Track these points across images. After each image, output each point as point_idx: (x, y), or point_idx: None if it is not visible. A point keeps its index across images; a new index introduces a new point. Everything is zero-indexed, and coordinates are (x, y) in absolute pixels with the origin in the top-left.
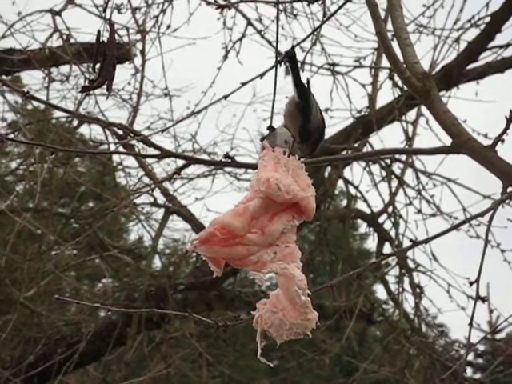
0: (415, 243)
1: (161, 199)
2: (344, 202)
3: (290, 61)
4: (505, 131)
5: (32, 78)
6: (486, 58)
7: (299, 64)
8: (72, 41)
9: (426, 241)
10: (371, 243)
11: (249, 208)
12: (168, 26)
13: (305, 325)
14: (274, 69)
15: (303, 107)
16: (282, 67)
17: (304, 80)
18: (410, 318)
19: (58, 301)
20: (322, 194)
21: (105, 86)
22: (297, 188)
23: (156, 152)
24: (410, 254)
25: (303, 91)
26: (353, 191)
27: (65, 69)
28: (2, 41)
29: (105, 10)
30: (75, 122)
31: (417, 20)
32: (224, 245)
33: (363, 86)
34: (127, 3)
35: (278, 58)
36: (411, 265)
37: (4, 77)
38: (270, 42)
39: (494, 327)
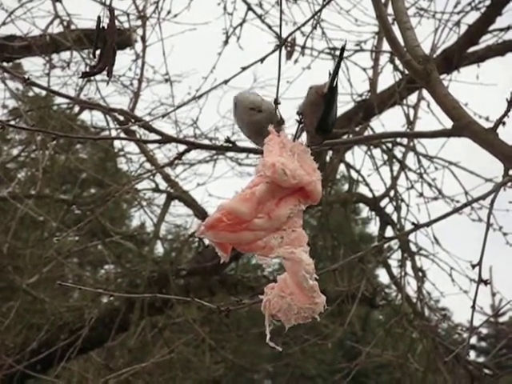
0: (417, 226)
1: (162, 185)
2: (346, 187)
3: (340, 53)
4: (506, 114)
5: (33, 65)
6: (486, 41)
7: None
8: (73, 27)
9: (428, 224)
10: (373, 227)
11: (255, 193)
12: (168, 12)
13: (313, 309)
14: (274, 53)
15: (329, 100)
16: (283, 52)
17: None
18: (412, 301)
19: (60, 287)
20: (324, 179)
21: (105, 72)
22: (303, 172)
23: (157, 137)
24: (412, 237)
25: (334, 85)
26: (354, 175)
27: (65, 55)
28: (3, 27)
29: None
30: (76, 109)
31: (417, 3)
32: (231, 230)
33: (364, 69)
34: None
35: (280, 42)
36: (413, 248)
37: (5, 63)
38: (270, 27)
39: (497, 310)
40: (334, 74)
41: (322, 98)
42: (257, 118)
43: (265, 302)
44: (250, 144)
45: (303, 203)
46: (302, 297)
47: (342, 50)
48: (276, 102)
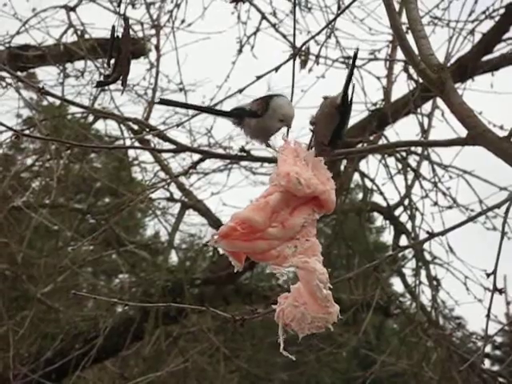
0: (432, 235)
1: (177, 194)
2: (360, 196)
3: (352, 62)
4: None
5: (47, 74)
6: (500, 49)
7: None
8: (87, 36)
9: (443, 233)
10: (387, 236)
11: (269, 202)
12: (182, 21)
13: (326, 318)
14: (288, 62)
15: (343, 112)
16: (297, 61)
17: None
18: (427, 310)
19: (75, 296)
20: (338, 188)
21: (120, 82)
22: (317, 182)
23: (172, 147)
24: (426, 246)
25: (348, 97)
26: (369, 184)
27: (80, 64)
28: (17, 37)
29: (119, 5)
30: (90, 118)
31: (431, 12)
32: (245, 239)
33: (378, 78)
34: None
35: (294, 52)
36: (428, 257)
37: (19, 73)
38: (284, 36)
39: None
40: (347, 86)
41: (337, 110)
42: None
43: (278, 312)
44: (264, 153)
45: (317, 212)
46: (315, 306)
47: (354, 59)
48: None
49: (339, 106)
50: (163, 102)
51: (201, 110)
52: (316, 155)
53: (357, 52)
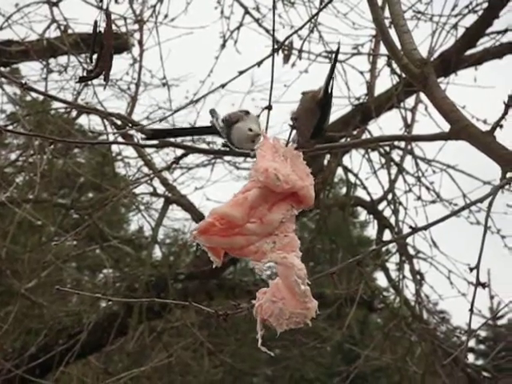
0: (415, 230)
1: (160, 189)
2: (343, 190)
3: (334, 57)
4: (503, 116)
5: (30, 70)
6: (484, 43)
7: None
8: (70, 31)
9: (426, 227)
10: (371, 231)
11: (247, 198)
12: (165, 16)
13: (304, 314)
14: (271, 57)
15: (324, 106)
16: (279, 56)
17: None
18: (410, 304)
19: (58, 292)
20: (322, 182)
21: (103, 76)
22: (295, 177)
23: (155, 142)
24: (410, 240)
25: (329, 91)
26: (352, 179)
27: (63, 59)
28: (0, 32)
29: (102, 0)
30: (74, 113)
31: (414, 6)
32: (223, 235)
33: (361, 73)
34: None
35: (275, 46)
36: (411, 252)
37: (2, 68)
38: (267, 31)
39: (495, 313)
40: (328, 80)
41: (318, 105)
42: (245, 127)
43: (257, 307)
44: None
45: (296, 208)
46: (293, 302)
47: (337, 52)
48: (269, 107)
49: (320, 101)
50: (155, 136)
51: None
52: (298, 149)
53: (339, 47)
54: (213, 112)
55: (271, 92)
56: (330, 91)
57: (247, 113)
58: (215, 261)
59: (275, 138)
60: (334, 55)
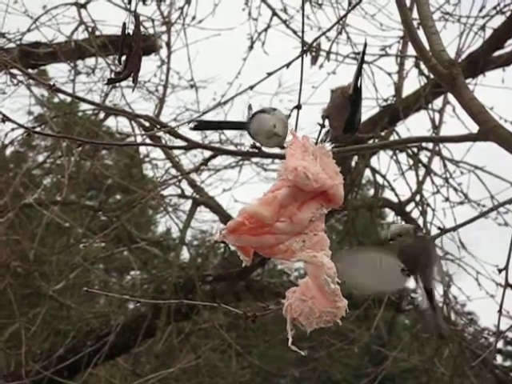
0: (443, 231)
1: (188, 190)
2: (371, 192)
3: (362, 52)
4: None
5: (58, 72)
6: (511, 45)
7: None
8: (97, 33)
9: (454, 228)
10: None
11: (277, 197)
12: (193, 18)
13: (334, 312)
14: (299, 59)
15: (354, 100)
16: (307, 57)
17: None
18: (438, 306)
19: (86, 293)
20: (349, 184)
21: (131, 78)
22: (325, 176)
23: (183, 143)
24: (438, 242)
25: (358, 86)
26: (380, 180)
27: (91, 61)
28: (28, 34)
29: (130, 2)
30: (102, 115)
31: (442, 8)
32: (253, 234)
33: (389, 74)
34: None
35: (304, 48)
36: (439, 253)
37: (30, 70)
38: (295, 32)
39: None
40: (358, 73)
41: (348, 100)
42: (262, 118)
43: (286, 306)
44: (275, 149)
45: (325, 207)
46: (323, 300)
47: (364, 48)
48: (298, 106)
49: (350, 96)
50: (197, 127)
51: (235, 127)
52: (332, 143)
53: (366, 42)
54: (249, 108)
55: (300, 91)
56: (359, 86)
57: (274, 109)
58: (245, 260)
59: (305, 137)
60: (362, 49)
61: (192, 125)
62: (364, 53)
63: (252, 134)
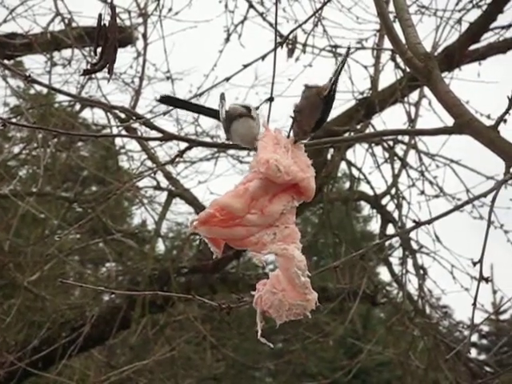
0: (418, 224)
1: (164, 182)
2: (347, 184)
3: (345, 54)
4: (507, 111)
5: (34, 63)
6: (487, 38)
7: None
8: (74, 25)
9: (429, 221)
10: (374, 225)
11: (248, 189)
12: (169, 9)
13: (304, 305)
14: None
15: (328, 101)
16: (283, 50)
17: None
18: (413, 299)
19: (61, 285)
20: (325, 176)
21: (106, 70)
22: (296, 169)
23: (158, 135)
24: (413, 235)
25: (334, 87)
26: (356, 173)
27: (67, 53)
28: (4, 25)
29: None
30: (78, 106)
31: (418, 1)
32: (224, 226)
33: (365, 67)
34: None
35: (279, 41)
36: (415, 246)
37: (6, 61)
38: (271, 25)
39: (498, 308)
40: (336, 80)
41: (322, 101)
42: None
43: (256, 298)
44: None
45: (296, 200)
46: (293, 293)
47: (347, 54)
48: (271, 99)
49: (325, 98)
50: (163, 100)
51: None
52: (296, 141)
53: (349, 47)
54: (222, 97)
55: (273, 84)
56: (334, 89)
57: (249, 109)
58: (215, 252)
59: (277, 130)
60: (344, 55)
61: (159, 96)
62: (346, 59)
63: (233, 135)
